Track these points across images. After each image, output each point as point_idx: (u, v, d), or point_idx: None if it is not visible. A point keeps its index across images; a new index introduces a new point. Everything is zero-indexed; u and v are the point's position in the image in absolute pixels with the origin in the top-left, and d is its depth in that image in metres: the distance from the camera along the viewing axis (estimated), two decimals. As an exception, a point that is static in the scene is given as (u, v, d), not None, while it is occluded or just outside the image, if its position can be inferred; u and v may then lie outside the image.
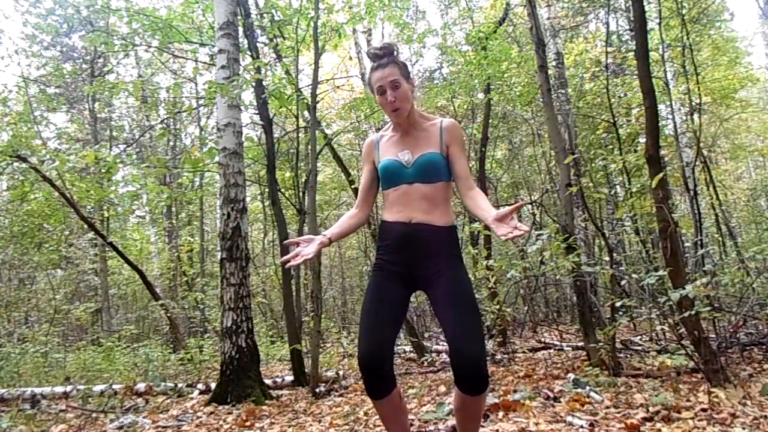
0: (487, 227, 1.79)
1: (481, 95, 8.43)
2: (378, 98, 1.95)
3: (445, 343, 6.48)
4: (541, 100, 5.58)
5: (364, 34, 10.55)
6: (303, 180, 6.46)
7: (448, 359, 5.72)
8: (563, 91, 8.18)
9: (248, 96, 6.92)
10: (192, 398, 4.78)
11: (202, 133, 12.83)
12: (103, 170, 6.73)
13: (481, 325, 1.83)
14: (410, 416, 3.10)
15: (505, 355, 5.45)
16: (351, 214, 2.07)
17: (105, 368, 6.88)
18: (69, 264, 12.13)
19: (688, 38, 6.25)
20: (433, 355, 5.99)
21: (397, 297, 1.89)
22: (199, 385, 5.09)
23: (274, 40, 6.41)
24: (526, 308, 7.23)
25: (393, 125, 2.04)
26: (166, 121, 12.32)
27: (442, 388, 4.16)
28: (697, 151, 5.98)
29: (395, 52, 1.94)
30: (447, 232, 1.92)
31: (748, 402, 2.86)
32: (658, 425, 2.59)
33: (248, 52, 5.87)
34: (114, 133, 13.41)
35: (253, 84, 5.47)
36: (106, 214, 11.29)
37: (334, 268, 15.51)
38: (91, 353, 7.76)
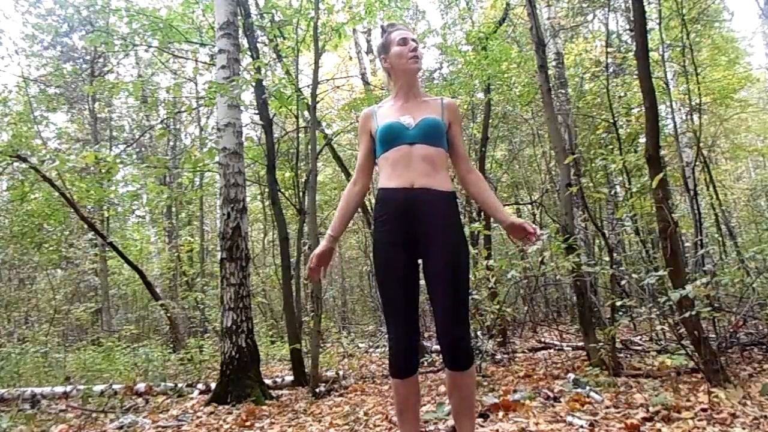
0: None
1: (481, 95, 8.42)
2: (397, 49, 1.97)
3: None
4: (541, 100, 5.57)
5: (364, 34, 10.56)
6: (303, 180, 6.46)
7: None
8: (563, 91, 8.17)
9: (248, 96, 6.92)
10: (192, 398, 4.77)
11: (202, 133, 12.83)
12: (103, 170, 6.74)
13: (467, 300, 1.89)
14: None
15: (505, 355, 5.44)
16: (349, 189, 2.04)
17: (105, 368, 6.86)
18: (69, 264, 12.12)
19: (688, 38, 6.24)
20: (433, 355, 5.98)
21: (408, 269, 1.89)
22: (199, 385, 5.08)
23: (274, 40, 6.41)
24: (526, 308, 7.22)
25: (394, 94, 2.03)
26: (166, 121, 12.30)
27: (442, 388, 4.15)
28: (697, 151, 5.98)
29: None
30: (449, 198, 1.91)
31: (748, 402, 2.86)
32: (658, 425, 2.58)
33: (248, 53, 5.87)
34: (114, 133, 13.40)
35: (253, 84, 5.47)
36: (106, 214, 11.29)
37: (334, 268, 15.49)
38: (91, 353, 7.74)
